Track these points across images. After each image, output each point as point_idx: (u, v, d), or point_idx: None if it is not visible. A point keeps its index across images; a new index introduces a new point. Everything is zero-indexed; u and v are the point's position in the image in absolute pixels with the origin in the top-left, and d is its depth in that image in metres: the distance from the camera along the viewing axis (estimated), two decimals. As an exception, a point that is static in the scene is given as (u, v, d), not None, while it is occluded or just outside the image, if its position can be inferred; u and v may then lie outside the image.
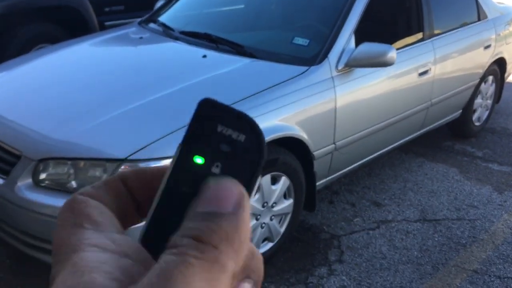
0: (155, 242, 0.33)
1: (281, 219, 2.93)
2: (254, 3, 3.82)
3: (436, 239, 3.23)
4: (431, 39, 3.79)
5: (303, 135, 2.82)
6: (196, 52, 3.15)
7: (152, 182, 0.36)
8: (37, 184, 2.37)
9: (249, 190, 0.34)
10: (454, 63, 4.02)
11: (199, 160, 0.34)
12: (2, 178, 2.44)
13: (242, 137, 0.34)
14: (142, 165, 2.27)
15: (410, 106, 3.64)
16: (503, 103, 5.45)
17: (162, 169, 0.36)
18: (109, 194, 0.34)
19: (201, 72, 2.90)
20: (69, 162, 2.35)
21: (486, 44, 4.39)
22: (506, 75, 4.96)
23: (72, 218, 0.31)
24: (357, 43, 3.13)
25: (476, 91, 4.50)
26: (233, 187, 0.31)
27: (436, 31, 3.86)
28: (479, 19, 4.41)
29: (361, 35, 3.18)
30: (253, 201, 2.70)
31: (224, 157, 0.34)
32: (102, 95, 2.72)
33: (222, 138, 0.34)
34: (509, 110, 5.51)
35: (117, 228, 0.32)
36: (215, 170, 0.33)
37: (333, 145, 3.05)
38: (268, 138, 2.63)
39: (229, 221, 0.29)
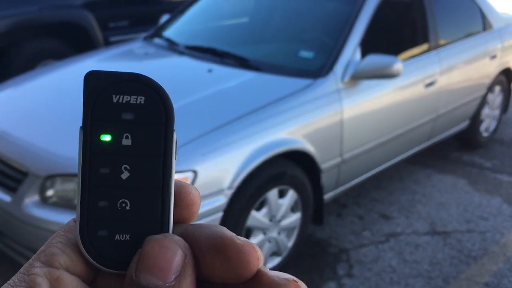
0: (88, 236, 0.33)
1: (288, 233, 2.90)
2: (258, 17, 3.83)
3: (446, 252, 3.19)
4: (437, 50, 3.78)
5: (310, 148, 2.80)
6: (201, 66, 3.15)
7: None
8: (44, 201, 2.36)
9: (168, 151, 0.33)
10: (460, 74, 4.00)
11: (106, 137, 0.32)
12: (9, 195, 2.43)
13: (141, 99, 0.32)
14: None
15: (417, 117, 3.62)
16: (511, 113, 5.41)
17: None
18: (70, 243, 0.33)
19: (207, 87, 2.90)
20: (76, 179, 2.34)
21: (492, 54, 4.38)
22: (513, 85, 4.94)
23: (42, 247, 0.33)
24: (363, 55, 3.12)
25: (483, 101, 4.48)
26: (173, 250, 0.31)
27: (441, 42, 3.86)
28: (484, 29, 4.40)
29: (367, 47, 3.18)
30: (261, 215, 2.68)
31: (131, 126, 0.32)
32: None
33: (121, 107, 0.32)
34: (517, 120, 5.47)
35: None
36: (126, 142, 0.32)
37: (340, 158, 3.03)
38: (275, 151, 2.62)
39: None
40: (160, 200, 0.33)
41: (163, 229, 0.33)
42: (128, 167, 0.33)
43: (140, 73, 0.33)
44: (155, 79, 0.33)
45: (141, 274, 0.30)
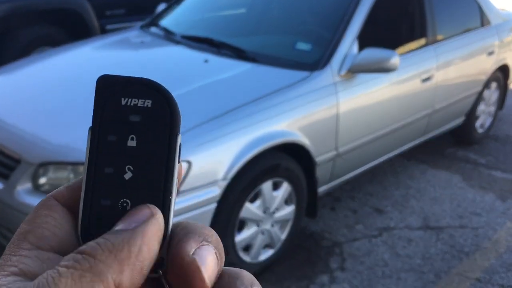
0: (92, 234, 0.33)
1: (282, 226, 2.90)
2: (256, 8, 3.80)
3: (438, 247, 3.20)
4: (434, 45, 3.77)
5: (305, 141, 2.79)
6: (198, 56, 3.13)
7: None
8: (36, 188, 2.35)
9: (171, 154, 0.34)
10: (457, 70, 4.00)
11: (112, 138, 0.33)
12: (1, 182, 2.42)
13: (148, 103, 0.34)
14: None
15: (412, 112, 3.62)
16: (506, 110, 5.42)
17: None
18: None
19: (203, 77, 2.88)
20: (69, 167, 2.33)
21: (489, 51, 4.37)
22: (509, 81, 4.94)
23: (25, 226, 0.32)
24: (360, 48, 3.11)
25: (479, 97, 4.48)
26: (145, 209, 0.32)
27: (439, 37, 3.85)
28: (482, 25, 4.39)
29: (364, 40, 3.17)
30: (255, 207, 2.68)
31: (137, 128, 0.34)
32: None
33: (129, 109, 0.34)
34: (512, 117, 5.49)
35: (60, 245, 0.33)
36: (131, 143, 0.33)
37: (335, 151, 3.03)
38: (270, 143, 2.61)
39: (122, 235, 0.30)
40: (161, 202, 0.33)
41: None
42: (132, 168, 0.34)
43: (150, 78, 0.34)
44: (159, 81, 0.34)
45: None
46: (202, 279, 0.31)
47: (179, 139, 0.34)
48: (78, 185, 0.35)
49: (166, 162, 0.34)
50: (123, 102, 0.34)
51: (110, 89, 0.34)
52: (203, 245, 0.32)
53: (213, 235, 0.33)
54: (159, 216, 0.32)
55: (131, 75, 0.35)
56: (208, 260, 0.32)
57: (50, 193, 0.35)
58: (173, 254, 0.32)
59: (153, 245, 0.31)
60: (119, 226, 0.31)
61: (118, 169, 0.33)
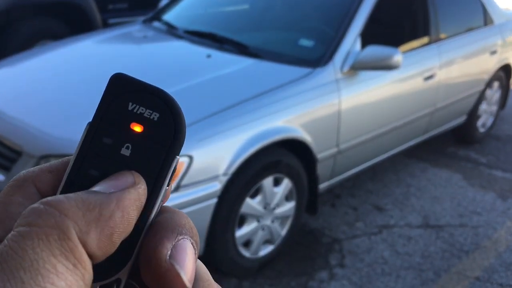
0: None
1: (282, 222, 2.90)
2: (259, 3, 3.79)
3: (438, 245, 3.20)
4: (437, 43, 3.76)
5: (306, 137, 2.79)
6: (200, 51, 3.13)
7: None
8: (37, 181, 2.34)
9: (163, 174, 0.32)
10: (459, 68, 3.99)
11: (107, 140, 0.32)
12: (3, 174, 2.42)
13: (155, 116, 0.32)
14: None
15: (414, 110, 3.61)
16: (508, 110, 5.41)
17: None
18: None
19: (205, 72, 2.88)
20: (70, 160, 2.33)
21: (492, 50, 4.36)
22: (511, 81, 4.93)
23: None
24: (363, 45, 3.10)
25: (481, 97, 4.47)
26: (128, 175, 0.30)
27: (442, 36, 3.84)
28: (485, 24, 4.38)
29: (367, 37, 3.16)
30: (255, 202, 2.68)
31: (135, 137, 0.32)
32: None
33: (133, 116, 0.32)
34: (514, 117, 5.48)
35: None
36: (125, 152, 0.31)
37: (336, 148, 3.03)
38: (271, 139, 2.61)
39: (96, 196, 0.28)
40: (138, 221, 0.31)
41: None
42: None
43: (166, 91, 0.32)
44: (173, 97, 0.33)
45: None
46: (182, 283, 0.29)
47: (176, 161, 0.32)
48: (61, 170, 0.32)
49: (154, 183, 0.31)
50: (130, 107, 0.32)
51: (120, 89, 0.32)
52: (178, 240, 0.30)
53: (186, 223, 0.31)
54: (141, 186, 0.30)
55: (148, 82, 0.33)
56: (187, 259, 0.30)
57: (29, 176, 0.32)
58: (147, 259, 0.29)
59: (128, 213, 0.29)
60: (97, 187, 0.29)
61: (104, 174, 0.31)
